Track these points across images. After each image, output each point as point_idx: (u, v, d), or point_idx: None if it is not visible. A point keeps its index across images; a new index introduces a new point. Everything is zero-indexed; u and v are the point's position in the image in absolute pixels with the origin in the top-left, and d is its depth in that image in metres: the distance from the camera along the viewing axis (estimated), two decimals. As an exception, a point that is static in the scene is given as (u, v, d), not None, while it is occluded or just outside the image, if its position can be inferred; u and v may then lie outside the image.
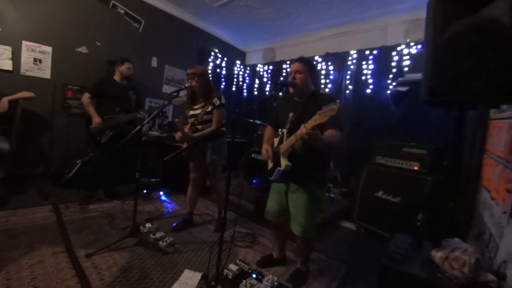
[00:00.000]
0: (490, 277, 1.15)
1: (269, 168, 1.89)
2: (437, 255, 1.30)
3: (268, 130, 2.07)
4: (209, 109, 2.38)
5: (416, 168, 2.60)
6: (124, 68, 2.96)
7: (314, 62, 4.36)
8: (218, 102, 2.36)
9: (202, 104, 2.43)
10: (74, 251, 1.93)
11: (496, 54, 0.85)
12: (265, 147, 1.90)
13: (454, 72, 0.98)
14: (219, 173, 2.59)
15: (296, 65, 1.80)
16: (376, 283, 1.50)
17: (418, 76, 3.04)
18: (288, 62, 4.90)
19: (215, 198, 2.77)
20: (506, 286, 1.14)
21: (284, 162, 1.69)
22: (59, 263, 1.76)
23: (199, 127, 2.40)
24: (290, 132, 1.68)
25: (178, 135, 2.40)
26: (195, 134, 2.35)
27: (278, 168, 1.73)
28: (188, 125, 2.43)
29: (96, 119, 2.78)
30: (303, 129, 1.45)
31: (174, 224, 2.59)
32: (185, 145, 2.43)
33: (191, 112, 2.49)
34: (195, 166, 2.62)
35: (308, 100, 1.79)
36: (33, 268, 1.67)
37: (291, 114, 1.80)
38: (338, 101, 1.38)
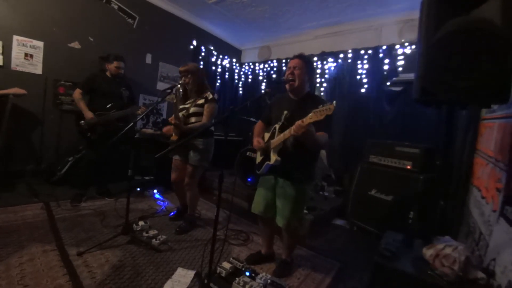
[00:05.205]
0: (480, 274, 1.17)
1: (257, 162, 1.92)
2: (428, 252, 1.32)
3: (259, 125, 2.08)
4: (200, 102, 2.37)
5: (409, 167, 2.63)
6: (112, 66, 2.91)
7: (310, 61, 4.37)
8: (210, 97, 2.36)
9: (193, 99, 2.43)
10: (65, 249, 1.90)
11: (487, 54, 0.86)
12: (257, 139, 1.90)
13: (445, 71, 0.99)
14: (198, 175, 2.48)
15: (295, 62, 1.81)
16: (368, 280, 1.51)
17: (411, 76, 3.07)
18: (284, 61, 4.89)
19: (188, 197, 2.55)
20: (495, 284, 1.16)
21: (274, 157, 1.72)
22: (50, 261, 1.74)
23: (188, 120, 2.38)
24: (283, 129, 1.69)
25: (166, 128, 2.40)
26: (187, 126, 2.30)
27: (267, 162, 1.76)
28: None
29: (88, 114, 2.74)
30: (298, 125, 1.47)
31: (171, 214, 2.70)
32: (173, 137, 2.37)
33: (181, 106, 2.46)
34: (177, 165, 2.55)
35: (304, 99, 1.82)
36: (23, 266, 1.65)
37: (285, 112, 1.80)
38: (334, 101, 1.40)
